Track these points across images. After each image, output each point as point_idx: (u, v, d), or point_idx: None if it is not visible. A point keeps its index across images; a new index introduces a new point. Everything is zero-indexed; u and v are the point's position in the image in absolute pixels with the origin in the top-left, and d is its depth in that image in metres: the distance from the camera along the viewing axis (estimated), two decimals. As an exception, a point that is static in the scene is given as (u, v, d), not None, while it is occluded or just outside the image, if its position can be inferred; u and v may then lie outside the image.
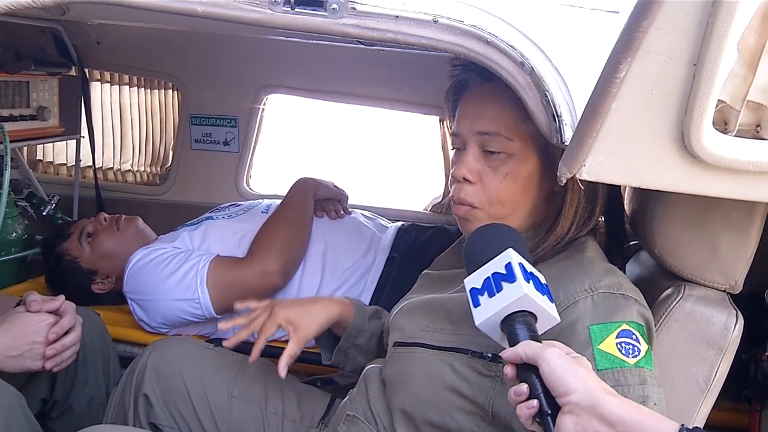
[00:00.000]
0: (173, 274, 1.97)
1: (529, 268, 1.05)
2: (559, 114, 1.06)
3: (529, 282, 1.01)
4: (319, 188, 2.24)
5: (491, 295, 1.02)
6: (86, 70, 2.70)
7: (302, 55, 2.56)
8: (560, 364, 0.91)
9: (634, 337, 1.08)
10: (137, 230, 2.27)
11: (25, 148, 2.91)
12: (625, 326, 1.08)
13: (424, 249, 2.07)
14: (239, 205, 2.32)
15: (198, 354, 1.64)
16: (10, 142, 2.27)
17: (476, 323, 1.03)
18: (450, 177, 1.32)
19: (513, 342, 0.99)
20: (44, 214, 2.63)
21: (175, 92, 2.83)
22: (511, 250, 1.05)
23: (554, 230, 1.24)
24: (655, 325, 1.17)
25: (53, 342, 1.56)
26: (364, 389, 1.38)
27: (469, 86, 1.31)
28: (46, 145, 2.97)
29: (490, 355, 1.17)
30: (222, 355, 1.66)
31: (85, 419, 1.81)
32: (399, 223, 2.30)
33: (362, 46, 2.00)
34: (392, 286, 2.02)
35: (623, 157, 0.95)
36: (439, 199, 2.69)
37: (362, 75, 2.54)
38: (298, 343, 1.45)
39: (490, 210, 1.27)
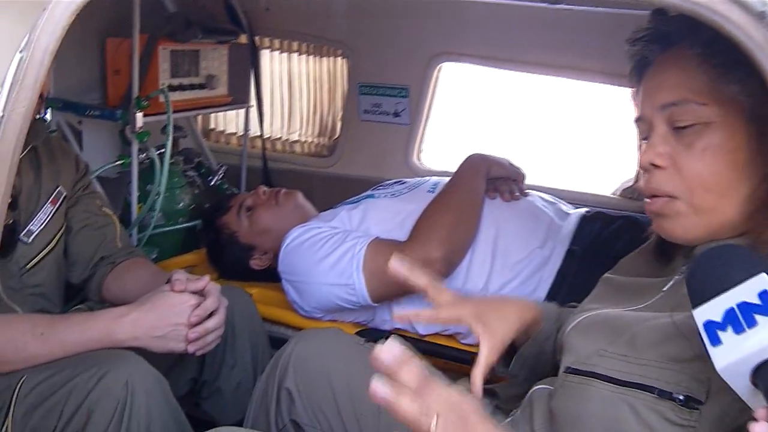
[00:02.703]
0: (328, 256, 1.83)
1: None
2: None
3: None
4: (493, 166, 1.99)
5: (738, 330, 0.77)
6: (255, 38, 2.63)
7: (479, 18, 2.30)
8: None
9: None
10: (297, 205, 2.16)
11: (200, 117, 2.92)
12: None
13: (611, 244, 1.77)
14: (404, 182, 2.13)
15: (347, 350, 1.48)
16: (179, 111, 2.26)
17: (717, 367, 0.78)
18: (638, 168, 1.04)
19: None
20: (211, 184, 2.60)
21: (344, 60, 2.70)
22: (765, 275, 0.78)
23: None
24: None
25: (195, 325, 1.48)
26: (528, 415, 1.15)
27: (652, 62, 1.05)
28: (218, 114, 2.96)
29: (682, 397, 0.91)
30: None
31: (232, 403, 1.75)
32: (583, 210, 2.00)
33: (546, 5, 1.73)
34: (571, 284, 1.74)
35: None
36: (631, 183, 2.34)
37: (547, 40, 2.23)
38: (493, 351, 1.19)
39: (692, 199, 0.98)
